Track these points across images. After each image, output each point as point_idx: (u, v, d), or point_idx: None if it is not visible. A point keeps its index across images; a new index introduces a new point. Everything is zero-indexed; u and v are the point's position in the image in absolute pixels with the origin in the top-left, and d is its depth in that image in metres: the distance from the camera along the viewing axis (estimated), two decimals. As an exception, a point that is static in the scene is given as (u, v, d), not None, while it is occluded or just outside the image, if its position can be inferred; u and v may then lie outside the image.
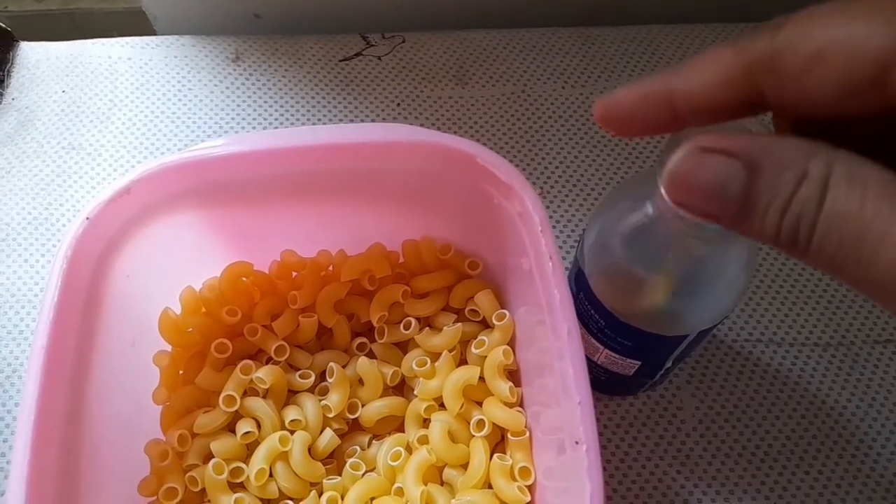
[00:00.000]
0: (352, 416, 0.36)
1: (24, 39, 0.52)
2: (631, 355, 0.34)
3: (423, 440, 0.34)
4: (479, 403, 0.35)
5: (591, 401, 0.26)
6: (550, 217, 0.30)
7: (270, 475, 0.33)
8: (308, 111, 0.49)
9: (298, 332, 0.37)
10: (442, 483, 0.34)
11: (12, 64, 0.51)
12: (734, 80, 0.18)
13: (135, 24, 0.55)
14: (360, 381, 0.36)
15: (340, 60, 0.52)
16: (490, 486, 0.33)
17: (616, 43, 0.53)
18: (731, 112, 0.19)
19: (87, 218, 0.29)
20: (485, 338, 0.35)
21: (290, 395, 0.36)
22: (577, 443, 0.26)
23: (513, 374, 0.36)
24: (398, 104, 0.50)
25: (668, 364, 0.35)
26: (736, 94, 0.18)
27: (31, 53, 0.51)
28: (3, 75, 0.50)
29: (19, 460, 0.26)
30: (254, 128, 0.49)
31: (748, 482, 0.38)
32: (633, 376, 0.36)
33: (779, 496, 0.38)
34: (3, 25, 0.51)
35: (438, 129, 0.49)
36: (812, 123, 0.18)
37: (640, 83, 0.20)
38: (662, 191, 0.25)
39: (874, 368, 0.41)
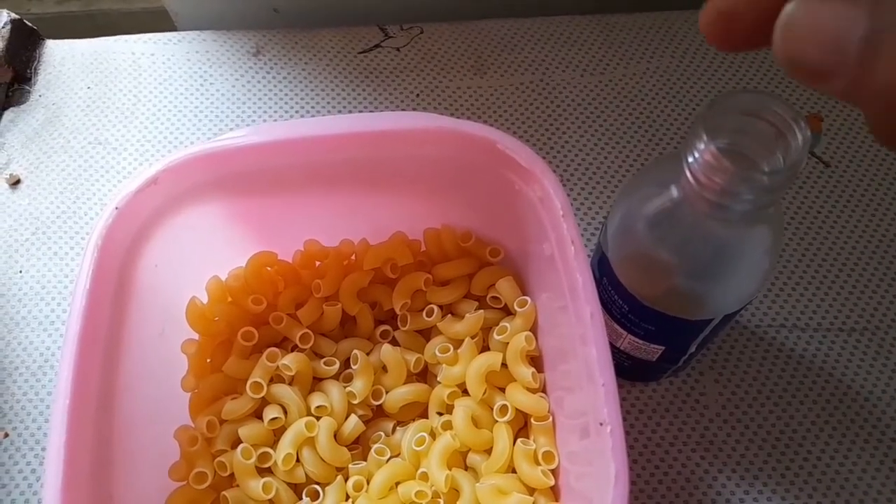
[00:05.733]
0: (376, 403, 0.36)
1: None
2: (654, 340, 0.34)
3: (447, 426, 0.35)
4: (502, 389, 0.35)
5: (615, 383, 0.26)
6: (571, 204, 0.30)
7: (297, 460, 0.34)
8: (328, 103, 0.50)
9: (322, 320, 0.37)
10: (466, 468, 0.35)
11: (38, 62, 0.52)
12: None
13: (154, 25, 0.56)
14: (384, 368, 0.37)
15: (359, 52, 0.52)
16: (514, 471, 0.33)
17: (634, 30, 0.53)
18: None
19: (116, 208, 0.30)
20: (507, 324, 0.36)
21: (316, 382, 0.37)
22: (601, 424, 0.26)
23: (535, 360, 0.36)
24: (417, 95, 0.50)
25: (692, 349, 0.35)
26: None
27: (57, 51, 0.52)
28: (30, 73, 0.51)
29: (55, 444, 0.26)
30: (275, 120, 0.49)
31: (772, 468, 0.38)
32: (656, 362, 0.36)
33: (804, 481, 0.38)
34: (30, 24, 0.52)
35: (458, 119, 0.49)
36: None
37: None
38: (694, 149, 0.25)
39: (900, 353, 0.41)
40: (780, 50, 0.15)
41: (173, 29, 0.55)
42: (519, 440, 0.33)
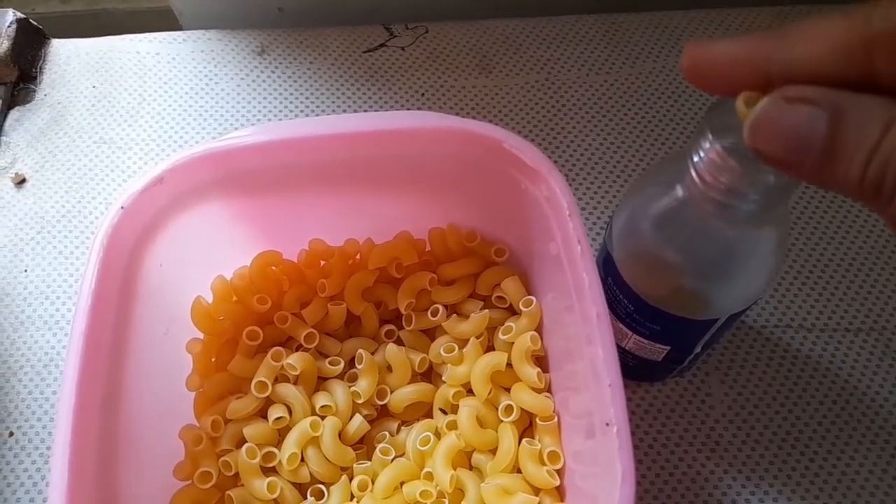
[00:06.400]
0: (381, 403, 0.36)
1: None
2: (660, 340, 0.34)
3: (452, 425, 0.35)
4: (507, 389, 0.35)
5: (622, 383, 0.26)
6: (577, 203, 0.30)
7: (302, 460, 0.34)
8: (333, 103, 0.50)
9: (327, 320, 0.37)
10: (471, 468, 0.35)
11: (44, 61, 0.52)
12: (848, 55, 0.16)
13: (159, 24, 0.56)
14: (389, 368, 0.37)
15: (364, 52, 0.52)
16: (519, 471, 0.33)
17: (640, 29, 0.53)
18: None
19: (122, 207, 0.30)
20: (512, 324, 0.35)
21: (320, 382, 0.37)
22: (607, 425, 0.26)
23: (540, 360, 0.36)
24: (422, 94, 0.50)
25: (698, 349, 0.35)
26: (846, 71, 0.17)
27: (62, 50, 0.52)
28: (36, 72, 0.51)
29: (60, 443, 0.26)
30: (280, 120, 0.49)
31: (778, 468, 0.38)
32: (661, 362, 0.36)
33: (810, 482, 0.37)
34: (35, 23, 0.52)
35: (463, 118, 0.49)
36: None
37: (736, 42, 0.18)
38: (697, 160, 0.25)
39: (907, 353, 0.41)
40: (750, 144, 0.17)
41: (178, 28, 0.55)
42: (524, 440, 0.33)
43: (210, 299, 0.36)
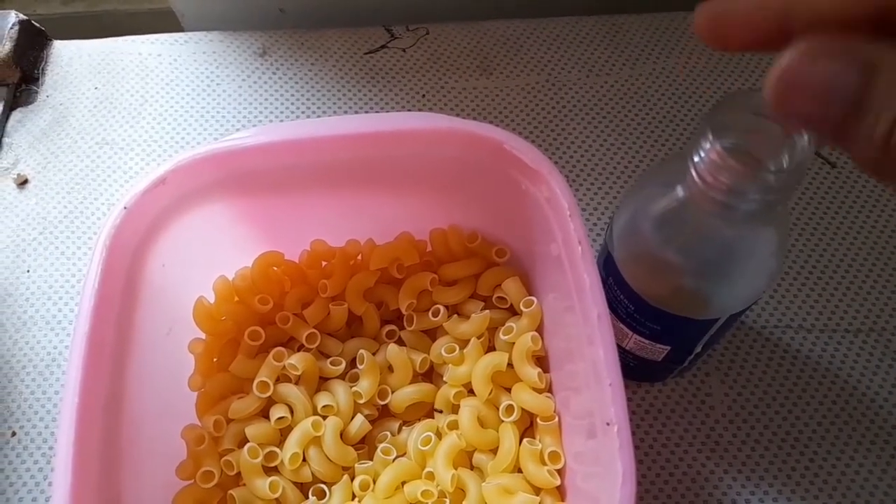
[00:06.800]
0: (382, 403, 0.36)
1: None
2: (660, 340, 0.34)
3: (453, 425, 0.35)
4: (508, 389, 0.35)
5: (622, 383, 0.26)
6: (577, 204, 0.30)
7: (304, 460, 0.34)
8: (334, 104, 0.50)
9: (329, 320, 0.37)
10: (472, 468, 0.35)
11: (46, 62, 0.52)
12: None
13: (161, 25, 0.56)
14: (390, 368, 0.37)
15: (365, 53, 0.52)
16: (520, 471, 0.33)
17: (641, 31, 0.53)
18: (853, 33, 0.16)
19: (125, 208, 0.30)
20: (513, 324, 0.36)
21: (322, 382, 0.37)
22: (608, 424, 0.26)
23: (541, 361, 0.36)
24: (423, 95, 0.50)
25: (698, 349, 0.35)
26: (866, 10, 0.16)
27: (64, 52, 0.52)
28: (38, 73, 0.51)
29: (63, 443, 0.26)
30: (281, 121, 0.49)
31: (778, 468, 0.38)
32: (661, 362, 0.36)
33: (810, 482, 0.37)
34: (37, 25, 0.52)
35: (464, 119, 0.49)
36: None
37: None
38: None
39: (907, 354, 0.41)
40: (772, 98, 0.16)
41: (180, 29, 0.55)
42: (525, 440, 0.33)
43: (212, 300, 0.36)
